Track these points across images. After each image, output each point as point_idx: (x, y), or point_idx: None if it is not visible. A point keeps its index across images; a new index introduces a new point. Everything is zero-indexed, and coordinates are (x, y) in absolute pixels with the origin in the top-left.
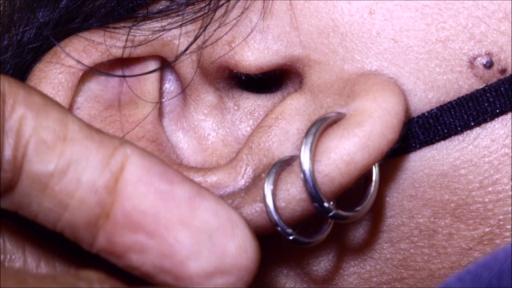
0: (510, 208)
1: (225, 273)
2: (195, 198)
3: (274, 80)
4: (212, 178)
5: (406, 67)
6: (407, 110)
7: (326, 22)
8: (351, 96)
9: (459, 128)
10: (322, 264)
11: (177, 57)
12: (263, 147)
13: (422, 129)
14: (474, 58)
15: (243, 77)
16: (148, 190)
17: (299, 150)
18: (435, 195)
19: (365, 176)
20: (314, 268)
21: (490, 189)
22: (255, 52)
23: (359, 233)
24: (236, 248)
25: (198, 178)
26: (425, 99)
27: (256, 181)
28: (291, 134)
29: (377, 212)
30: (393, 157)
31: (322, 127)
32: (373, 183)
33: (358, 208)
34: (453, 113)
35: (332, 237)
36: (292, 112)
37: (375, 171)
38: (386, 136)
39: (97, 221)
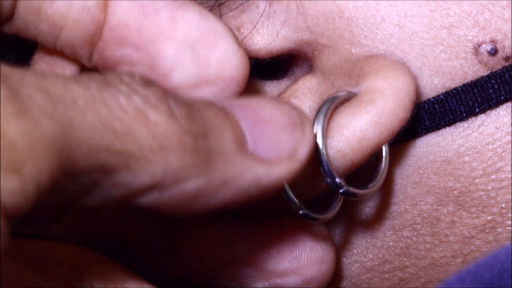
0: None
1: (210, 83)
2: (177, 10)
3: (281, 67)
4: None
5: (412, 52)
6: (417, 91)
7: (331, 7)
8: (361, 75)
9: (464, 115)
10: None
11: None
12: None
13: (428, 114)
14: (479, 45)
15: (252, 62)
16: (131, 5)
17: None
18: (438, 182)
19: (375, 156)
20: None
21: (493, 176)
22: (264, 37)
23: (361, 221)
24: (219, 58)
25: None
26: (431, 84)
27: None
28: None
29: (381, 198)
30: (400, 143)
31: (334, 104)
32: (383, 160)
33: (370, 185)
34: (458, 99)
35: (336, 226)
36: (304, 91)
37: (385, 150)
38: (398, 114)
39: (93, 38)
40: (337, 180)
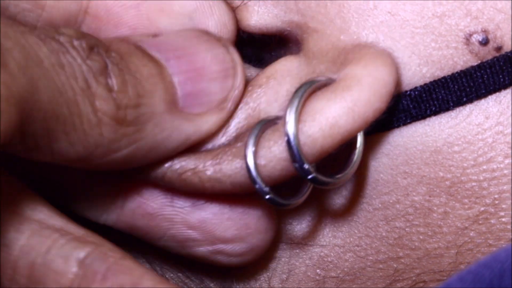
0: (505, 187)
1: None
2: None
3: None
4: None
5: (402, 40)
6: (398, 83)
7: None
8: (344, 63)
9: (451, 104)
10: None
11: None
12: (250, 106)
13: (414, 103)
14: (470, 35)
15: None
16: None
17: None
18: (429, 172)
19: (351, 146)
20: (310, 248)
21: (484, 167)
22: (254, 14)
23: (354, 212)
24: (216, 23)
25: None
26: (419, 73)
27: (238, 139)
28: (280, 95)
29: (372, 189)
30: (384, 131)
31: (310, 89)
32: (356, 151)
33: (338, 176)
34: (446, 88)
35: (326, 215)
36: (284, 73)
37: (359, 140)
38: (372, 104)
39: (76, 18)
40: (306, 166)
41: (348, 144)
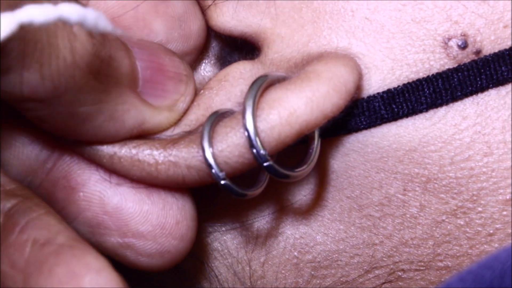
0: (484, 184)
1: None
2: None
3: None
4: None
5: (376, 45)
6: (360, 85)
7: None
8: (307, 65)
9: (425, 105)
10: (286, 229)
11: None
12: (202, 107)
13: (386, 105)
14: (449, 39)
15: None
16: None
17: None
18: (404, 168)
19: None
20: (279, 231)
21: (462, 165)
22: (220, 15)
23: (324, 199)
24: (199, 26)
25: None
26: (392, 76)
27: (192, 132)
28: (233, 95)
29: (343, 180)
30: (352, 132)
31: (268, 80)
32: (314, 146)
33: (297, 169)
34: (420, 90)
35: (290, 198)
36: (236, 75)
37: (316, 137)
38: (331, 98)
39: None
40: (262, 151)
41: (306, 146)
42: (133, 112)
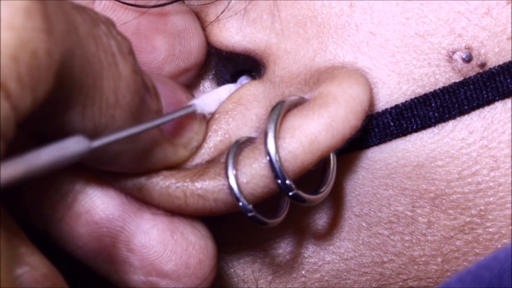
0: (491, 199)
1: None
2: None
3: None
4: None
5: (381, 59)
6: (372, 102)
7: (305, 12)
8: (317, 83)
9: (433, 120)
10: (294, 248)
11: None
12: (219, 134)
13: (395, 120)
14: (453, 52)
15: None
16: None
17: (259, 132)
18: (412, 185)
19: (323, 164)
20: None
21: (469, 180)
22: (223, 31)
23: (334, 218)
24: (199, 43)
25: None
26: (399, 91)
27: (214, 161)
28: (249, 119)
29: (352, 198)
30: (361, 149)
31: (286, 106)
32: (330, 169)
33: (321, 190)
34: (428, 105)
35: (310, 218)
36: (250, 98)
37: (332, 158)
38: (350, 120)
39: None
40: (288, 182)
41: (322, 166)
42: (159, 148)
